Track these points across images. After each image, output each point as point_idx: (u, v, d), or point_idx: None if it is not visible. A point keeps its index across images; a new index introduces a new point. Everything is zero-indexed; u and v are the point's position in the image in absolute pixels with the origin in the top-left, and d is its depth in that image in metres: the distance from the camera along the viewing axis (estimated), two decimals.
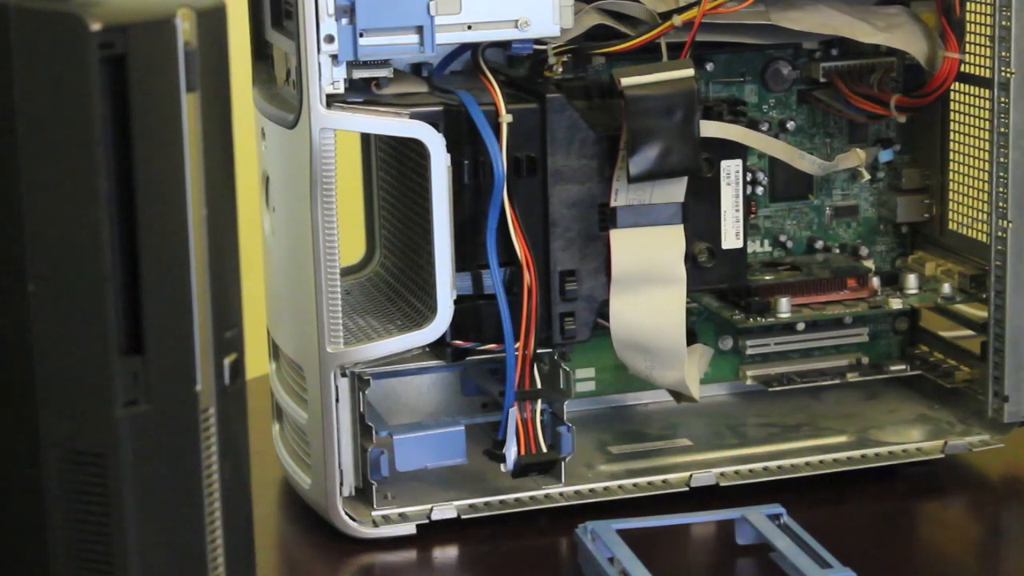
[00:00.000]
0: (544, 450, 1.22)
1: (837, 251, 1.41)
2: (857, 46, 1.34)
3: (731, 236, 1.28)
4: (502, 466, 1.22)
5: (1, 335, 0.86)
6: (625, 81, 1.19)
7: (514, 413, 1.21)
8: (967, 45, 1.31)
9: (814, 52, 1.37)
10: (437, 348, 1.23)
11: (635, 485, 1.26)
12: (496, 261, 1.19)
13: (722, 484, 1.26)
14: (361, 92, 1.18)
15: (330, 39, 1.14)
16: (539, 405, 1.22)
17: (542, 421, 1.22)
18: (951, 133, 1.37)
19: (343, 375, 1.20)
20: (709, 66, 1.36)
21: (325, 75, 1.15)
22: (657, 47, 1.24)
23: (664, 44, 1.24)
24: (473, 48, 1.23)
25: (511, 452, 1.21)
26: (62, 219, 0.84)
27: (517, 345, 1.20)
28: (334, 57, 1.15)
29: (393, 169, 1.31)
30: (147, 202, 0.84)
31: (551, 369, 1.24)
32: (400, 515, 1.22)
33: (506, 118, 1.19)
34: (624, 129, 1.20)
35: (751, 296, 1.32)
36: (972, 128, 1.33)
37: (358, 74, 1.17)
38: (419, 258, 1.24)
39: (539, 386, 1.22)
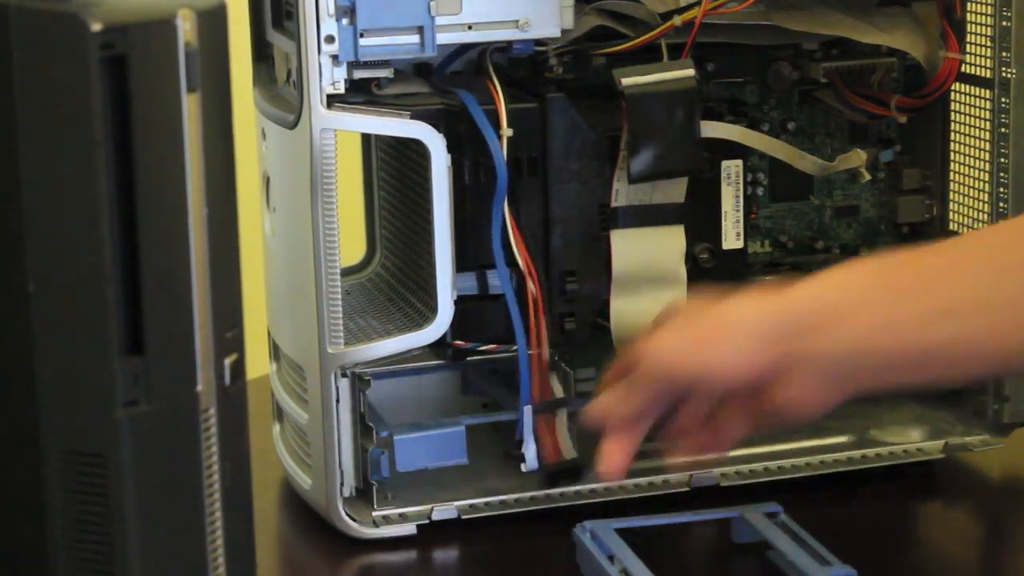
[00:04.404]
0: (567, 456, 1.22)
1: (837, 251, 1.41)
2: (857, 46, 1.34)
3: (731, 236, 1.28)
4: (522, 466, 1.22)
5: (1, 335, 0.86)
6: (626, 81, 1.19)
7: (528, 412, 1.21)
8: (967, 45, 1.31)
9: (814, 52, 1.37)
10: (438, 348, 1.23)
11: (635, 485, 1.26)
12: (503, 261, 1.19)
13: (722, 484, 1.26)
14: (362, 92, 1.18)
15: (331, 39, 1.14)
16: (563, 413, 1.22)
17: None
18: (951, 133, 1.37)
19: (343, 375, 1.20)
20: (709, 66, 1.36)
21: (326, 75, 1.15)
22: (658, 47, 1.24)
23: (664, 44, 1.24)
24: (481, 51, 1.23)
25: (530, 451, 1.21)
26: (62, 219, 0.84)
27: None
28: (335, 57, 1.15)
29: (393, 169, 1.31)
30: (147, 202, 0.84)
31: (551, 369, 1.24)
32: (400, 515, 1.22)
33: (506, 132, 1.18)
34: (625, 129, 1.20)
35: None
36: (972, 128, 1.33)
37: (359, 74, 1.17)
38: (419, 258, 1.24)
39: (559, 392, 1.21)
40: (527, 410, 1.21)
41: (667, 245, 1.24)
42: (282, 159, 1.23)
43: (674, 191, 1.23)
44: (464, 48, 1.25)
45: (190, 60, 0.85)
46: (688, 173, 1.22)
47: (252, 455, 0.94)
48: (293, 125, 1.18)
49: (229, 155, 0.90)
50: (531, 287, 1.20)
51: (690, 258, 1.26)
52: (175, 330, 0.87)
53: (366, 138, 1.36)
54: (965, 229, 1.36)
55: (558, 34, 1.20)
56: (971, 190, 1.35)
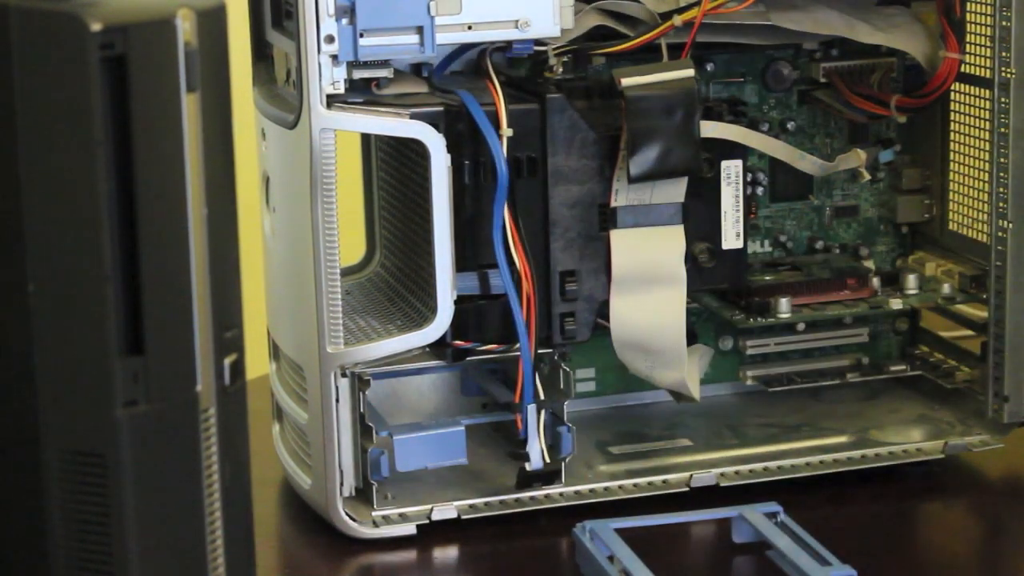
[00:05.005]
0: (547, 460, 1.22)
1: (837, 251, 1.41)
2: (857, 46, 1.34)
3: (731, 236, 1.28)
4: (527, 465, 1.22)
5: (1, 335, 0.86)
6: (625, 81, 1.19)
7: (533, 410, 1.21)
8: (967, 45, 1.31)
9: (814, 52, 1.37)
10: (437, 348, 1.23)
11: (635, 485, 1.26)
12: (504, 260, 1.19)
13: (722, 484, 1.26)
14: (361, 92, 1.18)
15: (330, 39, 1.14)
16: (543, 416, 1.22)
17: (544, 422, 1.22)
18: (951, 133, 1.37)
19: (343, 375, 1.20)
20: (709, 66, 1.36)
21: (325, 75, 1.15)
22: (657, 47, 1.24)
23: (664, 44, 1.24)
24: (481, 52, 1.23)
25: (535, 450, 1.21)
26: (62, 219, 0.84)
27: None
28: (334, 57, 1.15)
29: (393, 169, 1.31)
30: (147, 202, 0.85)
31: (551, 369, 1.24)
32: (400, 515, 1.22)
33: (506, 132, 1.18)
34: (624, 129, 1.20)
35: (751, 296, 1.32)
36: (972, 128, 1.33)
37: (358, 74, 1.17)
38: (419, 258, 1.24)
39: (542, 394, 1.21)
40: (531, 408, 1.21)
41: (667, 245, 1.23)
42: (282, 159, 1.23)
43: (674, 191, 1.23)
44: (464, 48, 1.25)
45: (190, 60, 0.85)
46: (688, 173, 1.22)
47: (252, 455, 0.94)
48: (293, 125, 1.18)
49: (229, 155, 0.90)
50: (526, 287, 1.20)
51: (690, 258, 1.26)
52: (175, 330, 0.87)
53: (366, 138, 1.36)
54: (965, 229, 1.36)
55: (558, 34, 1.20)
56: (971, 190, 1.35)
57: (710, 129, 1.23)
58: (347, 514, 1.21)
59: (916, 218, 1.41)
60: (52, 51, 0.82)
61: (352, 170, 1.36)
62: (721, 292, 1.34)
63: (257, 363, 1.23)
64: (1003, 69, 1.26)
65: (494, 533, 1.22)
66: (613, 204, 1.23)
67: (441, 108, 1.19)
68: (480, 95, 1.19)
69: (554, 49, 1.23)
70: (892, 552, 1.19)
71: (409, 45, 1.16)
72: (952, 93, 1.34)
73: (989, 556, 1.23)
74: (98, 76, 0.82)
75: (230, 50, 0.89)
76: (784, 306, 1.32)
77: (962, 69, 1.30)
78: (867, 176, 1.35)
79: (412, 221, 1.26)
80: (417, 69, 1.28)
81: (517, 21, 1.19)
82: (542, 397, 1.22)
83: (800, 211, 1.41)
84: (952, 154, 1.37)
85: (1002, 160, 1.27)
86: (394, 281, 1.32)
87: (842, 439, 1.33)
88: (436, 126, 1.17)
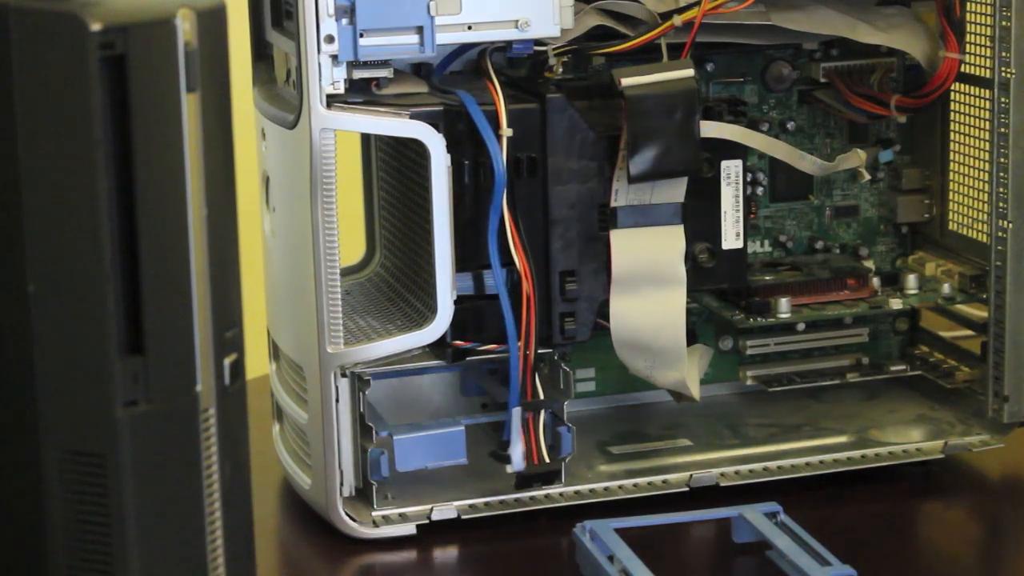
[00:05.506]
0: (547, 460, 1.22)
1: (837, 251, 1.41)
2: (857, 46, 1.34)
3: (731, 236, 1.28)
4: (508, 467, 1.22)
5: (1, 335, 0.86)
6: (625, 81, 1.19)
7: (518, 413, 1.21)
8: (967, 45, 1.31)
9: (814, 52, 1.37)
10: (437, 348, 1.23)
11: (635, 485, 1.26)
12: (498, 262, 1.19)
13: (722, 484, 1.26)
14: (361, 92, 1.18)
15: (330, 39, 1.14)
16: (542, 416, 1.22)
17: (543, 422, 1.22)
18: (951, 133, 1.37)
19: (343, 375, 1.20)
20: (709, 66, 1.36)
21: (325, 75, 1.15)
22: (657, 47, 1.24)
23: (664, 44, 1.24)
24: (481, 52, 1.23)
25: (517, 452, 1.21)
26: (62, 219, 0.84)
27: (519, 345, 1.20)
28: (334, 57, 1.15)
29: (393, 169, 1.31)
30: (147, 202, 0.85)
31: (551, 369, 1.24)
32: (400, 515, 1.22)
33: (506, 132, 1.18)
34: (624, 129, 1.20)
35: (751, 296, 1.32)
36: (972, 128, 1.33)
37: (358, 74, 1.17)
38: (419, 258, 1.24)
39: (541, 394, 1.21)
40: (516, 411, 1.21)
41: (667, 245, 1.23)
42: (282, 159, 1.23)
43: (674, 191, 1.23)
44: (464, 48, 1.25)
45: (190, 60, 0.85)
46: (688, 173, 1.22)
47: (252, 455, 0.94)
48: (293, 125, 1.18)
49: (229, 155, 0.90)
50: (526, 287, 1.20)
51: (690, 258, 1.26)
52: (175, 330, 0.87)
53: (366, 138, 1.37)
54: (965, 229, 1.36)
55: (557, 34, 1.20)
56: (971, 190, 1.35)
57: (710, 129, 1.23)
58: (347, 514, 1.21)
59: (916, 218, 1.41)
60: (52, 51, 0.82)
61: (352, 170, 1.36)
62: (721, 292, 1.34)
63: (257, 363, 1.23)
64: (1003, 69, 1.26)
65: (494, 533, 1.22)
66: (613, 204, 1.23)
67: (441, 108, 1.19)
68: (480, 95, 1.19)
69: (554, 49, 1.23)
70: (892, 552, 1.19)
71: (409, 45, 1.16)
72: (952, 93, 1.34)
73: (989, 556, 1.23)
74: (98, 76, 0.82)
75: (230, 50, 0.89)
76: (784, 306, 1.32)
77: (962, 69, 1.30)
78: (867, 176, 1.35)
79: (412, 221, 1.26)
80: (417, 69, 1.28)
81: (517, 21, 1.19)
82: (541, 397, 1.22)
83: (800, 211, 1.41)
84: (952, 154, 1.37)
85: (1002, 160, 1.27)
86: (394, 281, 1.32)
87: (842, 439, 1.33)
88: (436, 126, 1.17)
